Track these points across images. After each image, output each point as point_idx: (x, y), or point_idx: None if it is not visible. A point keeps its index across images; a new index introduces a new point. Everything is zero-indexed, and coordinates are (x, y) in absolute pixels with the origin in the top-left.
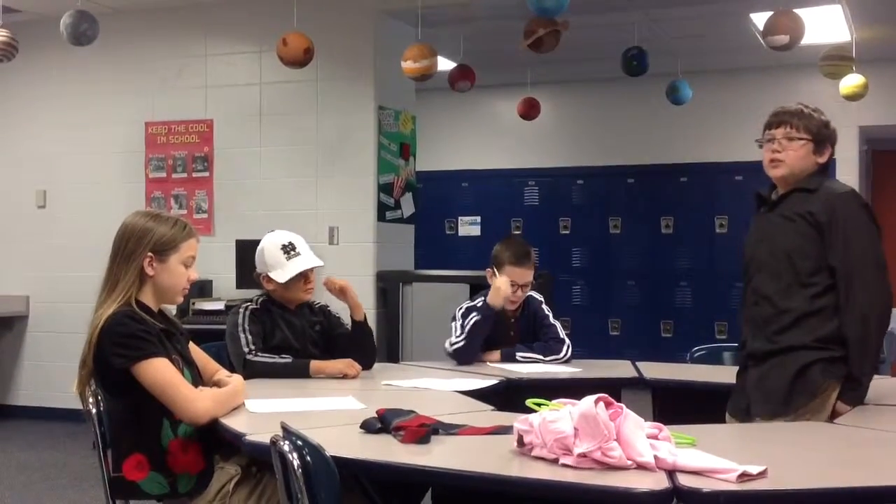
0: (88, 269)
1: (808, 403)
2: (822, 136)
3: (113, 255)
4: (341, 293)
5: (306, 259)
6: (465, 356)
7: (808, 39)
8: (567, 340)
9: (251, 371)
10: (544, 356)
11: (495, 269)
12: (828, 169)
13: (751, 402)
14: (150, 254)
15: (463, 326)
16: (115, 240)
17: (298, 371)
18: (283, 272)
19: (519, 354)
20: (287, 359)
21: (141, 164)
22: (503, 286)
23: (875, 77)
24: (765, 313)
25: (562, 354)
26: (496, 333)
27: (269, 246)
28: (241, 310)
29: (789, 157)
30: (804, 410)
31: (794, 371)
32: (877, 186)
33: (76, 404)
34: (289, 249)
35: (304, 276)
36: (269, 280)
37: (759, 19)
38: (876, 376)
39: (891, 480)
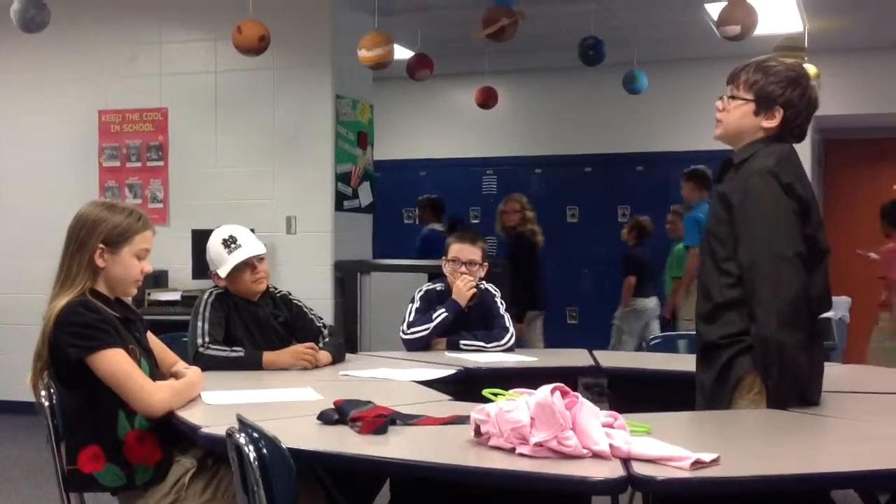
0: (41, 259)
1: (735, 398)
2: (766, 96)
3: (66, 245)
4: None
5: (245, 249)
6: (421, 346)
7: (761, 29)
8: (511, 329)
9: (203, 364)
10: (486, 343)
11: (444, 254)
12: (783, 135)
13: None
14: (101, 245)
15: (429, 318)
16: (69, 230)
17: (250, 363)
18: (225, 267)
19: (462, 343)
20: (239, 351)
21: (94, 152)
22: (463, 287)
23: (828, 67)
24: (698, 295)
25: (503, 341)
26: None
27: (212, 243)
28: (206, 295)
29: (726, 117)
30: (734, 405)
31: (717, 368)
32: (829, 176)
33: (30, 397)
34: (229, 243)
35: (250, 267)
36: (219, 277)
37: (714, 9)
38: (826, 364)
39: (841, 467)
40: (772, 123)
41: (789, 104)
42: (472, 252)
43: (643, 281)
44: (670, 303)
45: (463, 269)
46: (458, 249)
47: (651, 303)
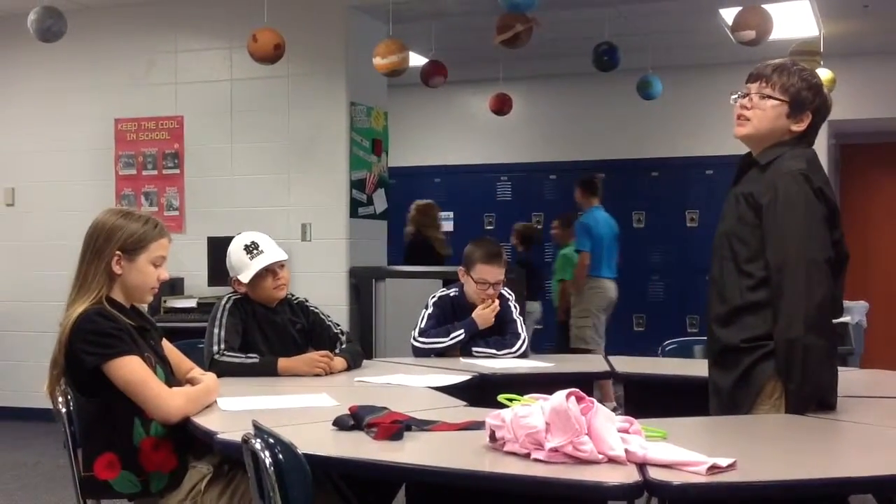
0: (58, 267)
1: (757, 403)
2: (800, 100)
3: (83, 253)
4: None
5: (267, 255)
6: (429, 355)
7: (776, 34)
8: (523, 335)
9: (218, 370)
10: (498, 350)
11: (466, 269)
12: (806, 139)
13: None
14: (118, 252)
15: (445, 332)
16: (86, 237)
17: (265, 370)
18: (247, 273)
19: (474, 350)
20: (254, 358)
21: (111, 161)
22: (487, 313)
23: (843, 72)
24: (711, 297)
25: (514, 348)
26: None
27: (234, 249)
28: (224, 301)
29: (756, 115)
30: (755, 410)
31: (738, 372)
32: (845, 180)
33: (47, 404)
34: (251, 249)
35: (271, 273)
36: (239, 283)
37: (729, 15)
38: (843, 368)
39: (859, 471)
40: (800, 127)
41: (817, 110)
42: (500, 273)
43: (532, 286)
44: (562, 305)
45: (490, 290)
46: (486, 272)
47: (537, 306)
